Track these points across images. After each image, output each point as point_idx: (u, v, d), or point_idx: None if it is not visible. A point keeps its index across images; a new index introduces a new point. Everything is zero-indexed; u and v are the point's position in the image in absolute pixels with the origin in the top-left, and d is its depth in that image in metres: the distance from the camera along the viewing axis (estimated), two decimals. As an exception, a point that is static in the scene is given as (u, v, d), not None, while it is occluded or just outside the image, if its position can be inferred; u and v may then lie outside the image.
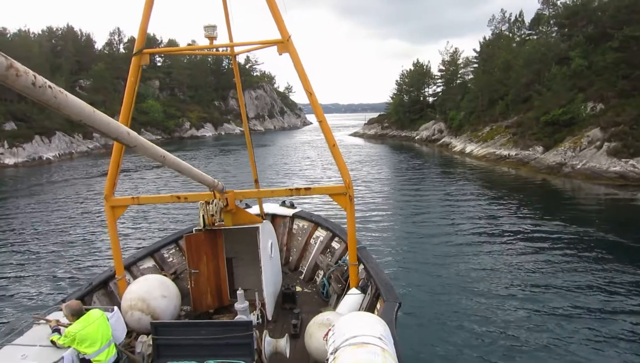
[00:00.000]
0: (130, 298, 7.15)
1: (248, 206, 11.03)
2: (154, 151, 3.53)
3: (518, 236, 18.60)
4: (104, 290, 8.24)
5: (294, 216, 11.32)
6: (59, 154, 59.14)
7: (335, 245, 9.88)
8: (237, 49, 9.28)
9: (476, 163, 42.87)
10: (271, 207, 11.62)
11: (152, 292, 7.24)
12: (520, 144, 39.94)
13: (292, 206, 11.70)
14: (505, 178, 34.73)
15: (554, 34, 53.10)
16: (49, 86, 2.12)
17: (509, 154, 40.11)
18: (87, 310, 5.69)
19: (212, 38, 7.88)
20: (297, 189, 7.74)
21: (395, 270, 14.87)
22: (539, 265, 15.14)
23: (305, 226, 11.01)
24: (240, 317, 7.20)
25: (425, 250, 17.14)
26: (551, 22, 55.30)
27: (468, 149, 48.52)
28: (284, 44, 6.89)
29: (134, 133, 3.11)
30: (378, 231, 19.89)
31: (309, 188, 7.96)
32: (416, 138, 71.30)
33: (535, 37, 60.67)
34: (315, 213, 12.45)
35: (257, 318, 7.63)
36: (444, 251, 16.74)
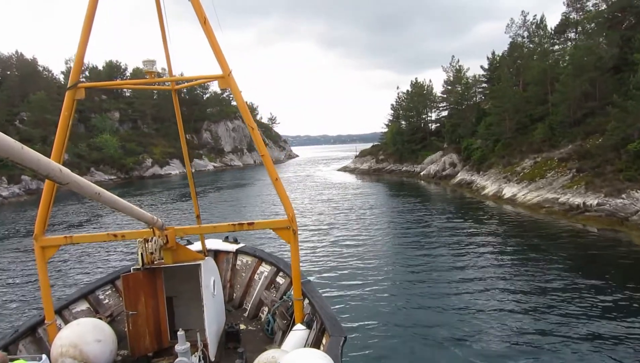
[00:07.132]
0: (61, 345, 6.66)
1: (190, 242, 10.54)
2: (89, 188, 3.47)
3: None
4: (31, 337, 7.58)
5: (238, 252, 10.85)
6: (-53, 207, 44.21)
7: (279, 280, 9.63)
8: (178, 84, 9.19)
9: (526, 215, 28.45)
10: (214, 243, 10.98)
11: (84, 337, 6.80)
12: (599, 187, 25.84)
13: (235, 241, 11.12)
14: (593, 247, 20.41)
15: (602, 37, 40.40)
16: None
17: (584, 203, 25.73)
18: (12, 360, 5.10)
19: (151, 73, 7.70)
20: (240, 224, 7.34)
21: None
22: None
23: (249, 262, 10.64)
24: (180, 360, 6.68)
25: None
26: (593, 23, 42.90)
27: (507, 193, 33.92)
28: (225, 79, 6.90)
29: (66, 170, 3.01)
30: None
31: (252, 223, 7.48)
32: (421, 173, 57.27)
33: (564, 44, 48.71)
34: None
35: (199, 360, 7.03)
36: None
